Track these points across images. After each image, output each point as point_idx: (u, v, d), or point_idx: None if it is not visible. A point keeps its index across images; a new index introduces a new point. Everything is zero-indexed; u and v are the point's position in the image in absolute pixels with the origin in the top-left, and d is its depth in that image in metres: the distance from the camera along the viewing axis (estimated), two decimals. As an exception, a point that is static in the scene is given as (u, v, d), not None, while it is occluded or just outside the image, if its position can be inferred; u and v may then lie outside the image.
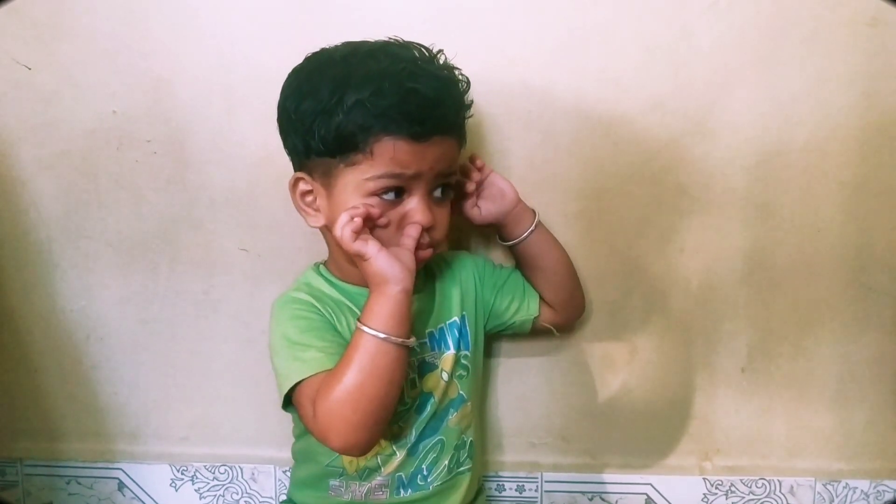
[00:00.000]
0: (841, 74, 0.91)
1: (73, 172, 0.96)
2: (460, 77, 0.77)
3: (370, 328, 0.68)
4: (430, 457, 0.82)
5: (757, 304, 0.96)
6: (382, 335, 0.68)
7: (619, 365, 0.99)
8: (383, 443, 0.80)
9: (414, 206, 0.73)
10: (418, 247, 0.73)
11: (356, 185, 0.72)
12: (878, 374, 0.97)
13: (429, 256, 0.75)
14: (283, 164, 0.93)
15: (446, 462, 0.83)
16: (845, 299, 0.96)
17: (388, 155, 0.70)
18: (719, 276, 0.96)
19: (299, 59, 0.91)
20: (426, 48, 0.76)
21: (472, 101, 0.78)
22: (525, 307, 0.88)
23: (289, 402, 0.74)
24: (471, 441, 0.86)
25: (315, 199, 0.76)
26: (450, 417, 0.83)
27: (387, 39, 0.76)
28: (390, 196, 0.72)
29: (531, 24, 0.91)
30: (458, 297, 0.86)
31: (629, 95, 0.91)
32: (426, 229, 0.73)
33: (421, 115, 0.69)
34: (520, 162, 0.94)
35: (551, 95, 0.92)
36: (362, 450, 0.72)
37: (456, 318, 0.85)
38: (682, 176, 0.93)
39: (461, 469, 0.85)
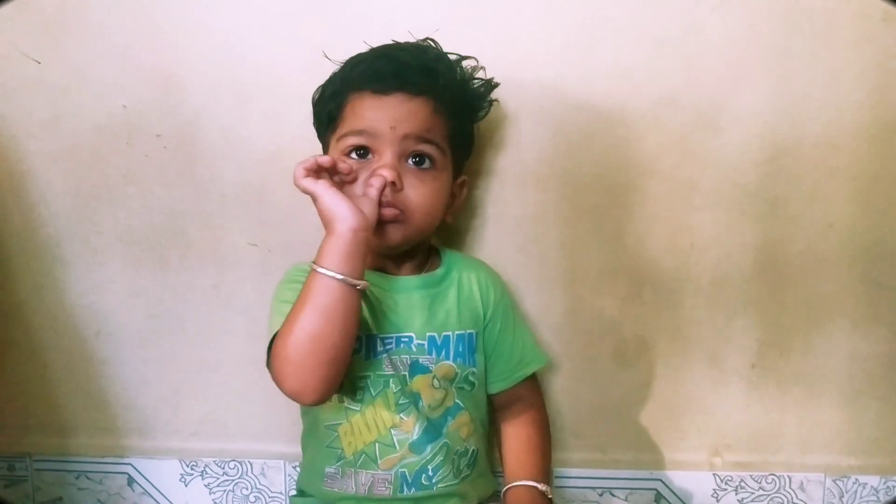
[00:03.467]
0: (853, 69, 0.90)
1: (82, 167, 0.95)
2: (460, 62, 0.82)
3: (321, 268, 0.68)
4: (437, 459, 0.80)
5: (768, 300, 0.96)
6: (330, 274, 0.67)
7: (629, 360, 0.98)
8: (382, 430, 0.79)
9: (381, 162, 0.75)
10: (383, 204, 0.73)
11: (333, 148, 0.79)
12: (888, 370, 0.97)
13: (392, 217, 0.75)
14: (292, 158, 0.92)
15: (450, 467, 0.81)
16: (856, 295, 0.96)
17: (355, 111, 0.76)
18: (730, 271, 0.95)
19: (309, 54, 0.92)
20: (439, 50, 0.82)
21: (475, 83, 0.84)
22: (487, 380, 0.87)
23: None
24: (473, 450, 0.84)
25: None
26: (448, 424, 0.81)
27: (417, 41, 0.83)
28: (358, 155, 0.77)
29: (542, 19, 0.90)
30: (480, 312, 0.84)
31: (640, 90, 0.91)
32: (393, 187, 0.74)
33: (384, 71, 0.75)
34: (530, 157, 0.93)
35: (562, 90, 0.91)
36: (313, 395, 0.70)
37: (467, 332, 0.83)
38: (693, 171, 0.93)
39: (463, 476, 0.83)
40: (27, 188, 0.96)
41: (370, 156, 0.76)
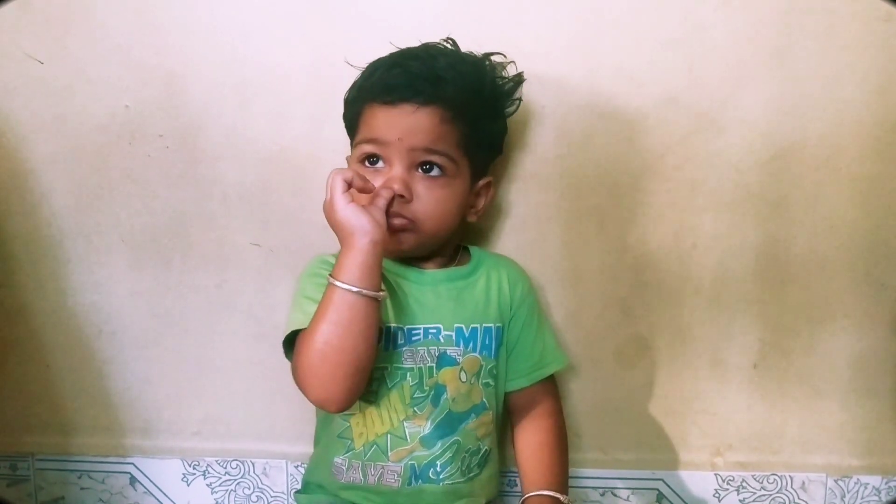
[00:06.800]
0: (855, 70, 0.91)
1: (84, 167, 0.95)
2: (487, 71, 0.82)
3: (339, 282, 0.70)
4: (446, 455, 0.81)
5: (770, 300, 0.96)
6: (350, 287, 0.69)
7: (630, 360, 0.99)
8: (395, 422, 0.80)
9: (390, 174, 0.77)
10: (392, 214, 0.75)
11: (352, 153, 0.82)
12: (890, 370, 0.97)
13: (401, 226, 0.77)
14: (294, 158, 0.94)
15: (459, 464, 0.82)
16: (858, 295, 0.96)
17: (366, 121, 0.78)
18: (732, 271, 0.96)
19: (311, 54, 0.92)
20: (475, 55, 0.83)
21: (494, 89, 0.83)
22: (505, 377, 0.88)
23: (291, 350, 0.77)
24: (486, 450, 0.85)
25: None
26: (469, 422, 0.83)
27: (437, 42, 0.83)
28: (370, 163, 0.79)
29: (545, 18, 0.90)
30: (507, 305, 0.86)
31: (643, 90, 0.91)
32: (402, 199, 0.76)
33: (393, 83, 0.76)
34: (533, 157, 0.93)
35: (565, 90, 0.91)
36: (337, 404, 0.73)
37: (494, 325, 0.84)
38: (695, 171, 0.93)
39: (471, 475, 0.84)
40: (30, 188, 0.96)
41: (382, 164, 0.78)
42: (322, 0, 0.91)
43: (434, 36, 0.83)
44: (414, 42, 0.82)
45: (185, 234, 0.97)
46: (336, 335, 0.70)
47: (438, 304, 0.82)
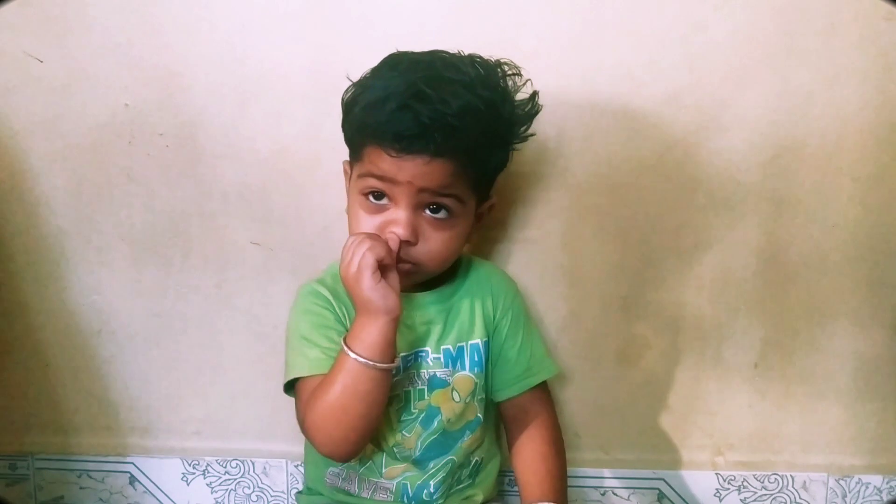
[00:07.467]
0: (856, 69, 0.91)
1: (84, 166, 0.95)
2: (502, 104, 0.75)
3: (355, 353, 0.69)
4: (440, 475, 0.81)
5: (770, 300, 0.96)
6: (366, 360, 0.69)
7: (631, 360, 0.99)
8: (385, 447, 0.80)
9: (396, 216, 0.73)
10: (396, 259, 0.73)
11: (354, 182, 0.77)
12: (891, 370, 0.97)
13: (405, 271, 0.75)
14: (294, 158, 0.94)
15: (451, 480, 0.83)
16: (859, 295, 0.96)
17: (372, 159, 0.73)
18: (733, 271, 0.96)
19: (311, 54, 0.92)
20: (488, 68, 0.76)
21: (509, 123, 0.77)
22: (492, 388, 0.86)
23: (291, 388, 0.77)
24: (476, 461, 0.85)
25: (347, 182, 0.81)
26: (464, 439, 0.82)
27: (451, 52, 0.76)
28: (374, 198, 0.74)
29: (545, 18, 0.90)
30: (490, 317, 0.84)
31: (643, 90, 0.91)
32: (407, 242, 0.73)
33: (402, 133, 0.70)
34: (533, 156, 0.93)
35: (565, 89, 0.91)
36: (345, 458, 0.75)
37: (480, 341, 0.83)
38: (696, 171, 0.93)
39: (460, 486, 0.84)
40: (29, 187, 0.96)
41: (387, 200, 0.74)
42: (321, 1, 0.91)
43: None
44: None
45: (185, 234, 0.97)
46: (350, 403, 0.70)
47: (426, 329, 0.81)
